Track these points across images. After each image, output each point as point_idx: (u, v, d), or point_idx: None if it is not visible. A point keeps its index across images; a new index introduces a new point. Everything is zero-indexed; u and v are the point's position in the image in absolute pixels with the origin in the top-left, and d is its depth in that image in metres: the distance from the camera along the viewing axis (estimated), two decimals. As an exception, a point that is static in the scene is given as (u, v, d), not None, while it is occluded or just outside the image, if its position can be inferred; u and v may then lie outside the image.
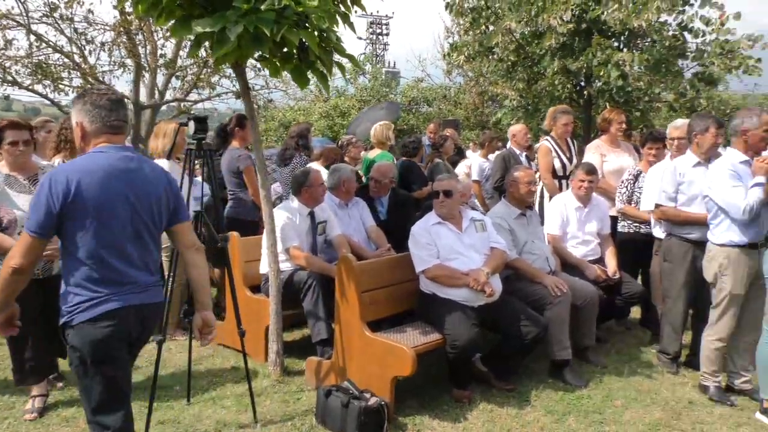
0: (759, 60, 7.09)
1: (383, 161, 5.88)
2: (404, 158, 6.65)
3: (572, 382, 4.12)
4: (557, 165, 5.80)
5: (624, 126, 5.64)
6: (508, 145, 6.98)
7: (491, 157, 7.57)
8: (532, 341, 3.95)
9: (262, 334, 4.48)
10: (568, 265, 4.84)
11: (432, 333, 3.91)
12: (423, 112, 22.57)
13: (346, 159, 6.59)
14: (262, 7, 3.11)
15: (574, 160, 5.90)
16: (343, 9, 3.76)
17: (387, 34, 38.58)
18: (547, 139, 5.98)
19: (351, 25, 3.74)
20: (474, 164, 7.60)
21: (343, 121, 19.57)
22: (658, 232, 4.71)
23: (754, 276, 3.76)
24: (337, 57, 3.77)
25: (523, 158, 6.82)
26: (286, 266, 4.47)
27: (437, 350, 3.88)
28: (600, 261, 4.95)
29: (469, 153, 9.28)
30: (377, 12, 38.20)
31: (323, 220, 4.67)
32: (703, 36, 7.36)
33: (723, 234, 3.84)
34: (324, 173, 5.46)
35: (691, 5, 7.27)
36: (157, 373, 3.50)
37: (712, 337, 3.97)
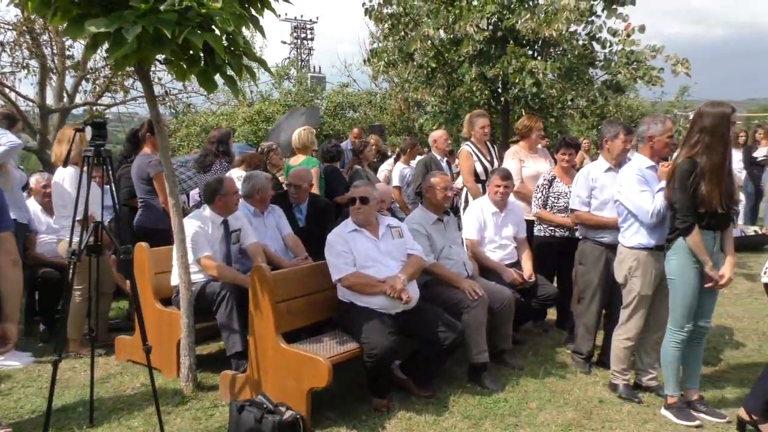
0: (661, 70, 7.48)
1: (301, 167, 5.79)
2: (326, 164, 6.59)
3: (489, 386, 4.16)
4: (479, 168, 5.89)
5: (542, 132, 5.79)
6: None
7: (413, 163, 7.61)
8: (449, 346, 3.95)
9: (174, 349, 4.29)
10: (486, 270, 4.91)
11: (349, 342, 3.85)
12: (349, 118, 22.56)
13: (267, 166, 6.45)
14: (162, 8, 2.96)
15: (496, 163, 6.01)
16: (254, 12, 3.66)
17: (312, 39, 38.31)
18: (467, 144, 6.07)
19: (261, 29, 3.64)
20: (395, 170, 7.62)
21: (268, 126, 19.25)
22: None
23: (660, 277, 3.90)
24: (247, 61, 3.67)
25: (444, 163, 6.90)
26: (198, 277, 4.30)
27: (356, 359, 3.82)
28: (517, 264, 5.04)
29: (388, 162, 9.29)
30: (301, 16, 37.90)
31: (237, 229, 4.53)
32: (610, 46, 7.70)
33: (632, 237, 3.98)
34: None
35: (599, 16, 7.60)
36: (52, 395, 3.27)
37: (621, 337, 4.11)
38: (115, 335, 4.91)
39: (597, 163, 4.58)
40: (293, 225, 5.13)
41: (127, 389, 4.21)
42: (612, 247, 4.31)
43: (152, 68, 11.93)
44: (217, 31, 3.31)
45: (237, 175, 5.67)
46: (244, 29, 3.62)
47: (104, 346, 4.87)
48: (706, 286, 3.61)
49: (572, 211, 4.64)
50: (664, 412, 3.80)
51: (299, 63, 33.44)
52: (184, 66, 3.57)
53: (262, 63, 3.73)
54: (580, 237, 4.65)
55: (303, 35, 37.99)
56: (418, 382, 4.09)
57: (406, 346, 4.12)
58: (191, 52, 3.41)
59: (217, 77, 3.55)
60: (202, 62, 3.46)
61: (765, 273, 3.16)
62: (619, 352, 4.11)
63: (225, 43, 3.41)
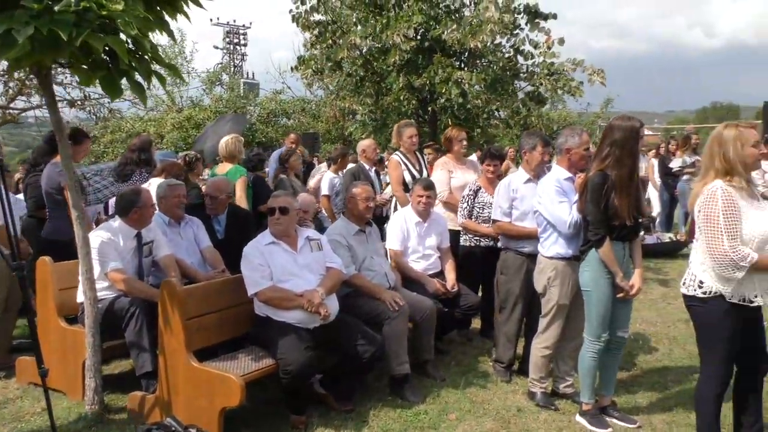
0: (581, 83, 7.73)
1: (219, 177, 5.61)
2: (251, 173, 6.43)
3: (410, 398, 4.12)
4: (408, 178, 5.90)
5: (465, 143, 5.83)
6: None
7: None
8: (369, 360, 3.89)
9: (79, 370, 4.04)
10: (409, 280, 4.89)
11: (266, 358, 3.73)
12: (282, 125, 22.33)
13: (189, 176, 6.24)
14: (57, 8, 2.78)
15: (425, 173, 6.03)
16: (166, 16, 3.50)
17: (245, 45, 37.62)
18: (396, 153, 6.08)
19: (170, 34, 3.49)
20: (324, 178, 7.53)
21: (198, 132, 18.79)
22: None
23: (577, 287, 3.92)
24: (158, 67, 3.50)
25: (372, 173, 6.88)
26: (107, 293, 4.08)
27: (274, 375, 3.70)
28: (440, 275, 5.05)
29: (323, 167, 9.21)
30: (234, 21, 37.23)
31: (150, 240, 4.33)
32: (532, 58, 7.89)
33: (551, 247, 4.03)
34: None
35: (522, 30, 7.78)
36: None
37: (540, 345, 4.14)
38: (18, 356, 4.60)
39: (517, 174, 4.65)
40: (212, 236, 4.96)
41: (26, 415, 3.93)
42: (533, 257, 4.36)
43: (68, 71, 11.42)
44: (123, 35, 3.15)
45: (157, 184, 5.45)
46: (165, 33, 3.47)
47: (5, 368, 4.55)
48: (618, 296, 3.69)
49: (494, 221, 4.69)
50: (578, 418, 3.86)
51: (232, 68, 32.84)
52: (88, 70, 3.37)
53: (173, 69, 3.57)
54: (502, 247, 4.70)
55: (236, 40, 37.31)
56: (338, 396, 4.01)
57: (328, 360, 4.03)
58: (94, 55, 3.22)
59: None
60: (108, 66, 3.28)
61: (683, 284, 3.23)
62: (537, 361, 4.16)
63: (131, 47, 3.25)
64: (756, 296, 3.03)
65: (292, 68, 8.62)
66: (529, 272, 4.39)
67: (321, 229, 5.22)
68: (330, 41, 7.80)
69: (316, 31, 8.04)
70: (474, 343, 5.44)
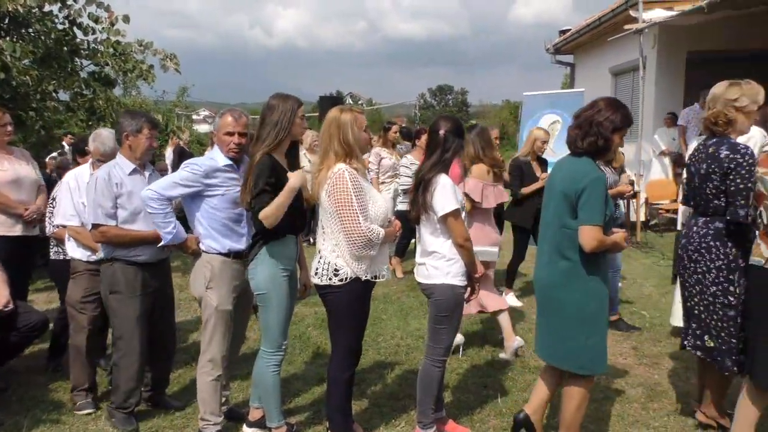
0: (152, 66, 7.18)
1: None
2: None
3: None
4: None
5: (9, 129, 4.69)
6: None
7: None
8: None
9: None
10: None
11: None
12: None
13: None
14: None
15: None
16: None
17: None
18: None
19: None
20: None
21: None
22: None
23: (240, 291, 3.44)
24: None
25: None
26: None
27: None
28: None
29: None
30: None
31: None
32: (94, 34, 7.00)
33: (205, 240, 3.38)
34: None
35: (77, 1, 6.79)
36: None
37: (206, 368, 3.36)
38: None
39: (118, 165, 3.64)
40: None
41: None
42: (150, 266, 3.63)
43: None
44: None
45: None
46: None
47: None
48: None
49: (95, 226, 3.54)
50: (247, 429, 3.44)
51: None
52: None
53: None
54: (106, 258, 3.62)
55: None
56: None
57: None
58: None
59: None
60: None
61: (315, 274, 3.14)
62: (206, 389, 3.36)
63: None
64: (385, 270, 3.18)
65: None
66: (146, 286, 3.63)
67: None
68: None
69: None
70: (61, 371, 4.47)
